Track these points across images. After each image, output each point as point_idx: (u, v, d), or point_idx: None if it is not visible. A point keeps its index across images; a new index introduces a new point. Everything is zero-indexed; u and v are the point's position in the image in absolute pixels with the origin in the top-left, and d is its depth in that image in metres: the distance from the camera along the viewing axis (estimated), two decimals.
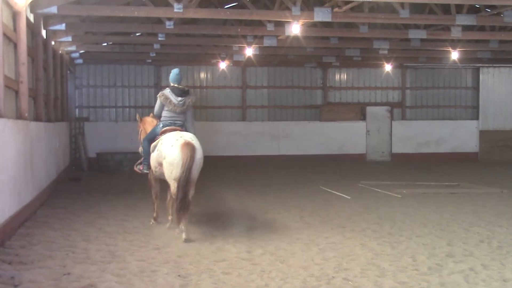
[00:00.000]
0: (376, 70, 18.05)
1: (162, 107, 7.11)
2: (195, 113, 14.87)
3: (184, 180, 6.28)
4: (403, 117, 18.57)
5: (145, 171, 7.31)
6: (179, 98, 7.00)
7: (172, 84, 7.14)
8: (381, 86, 18.52)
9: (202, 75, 17.60)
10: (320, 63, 16.84)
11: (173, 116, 7.05)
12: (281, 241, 6.23)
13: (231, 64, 16.74)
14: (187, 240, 6.18)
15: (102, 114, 17.03)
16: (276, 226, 7.13)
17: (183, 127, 7.05)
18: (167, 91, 7.08)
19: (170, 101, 7.00)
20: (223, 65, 16.23)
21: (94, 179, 12.68)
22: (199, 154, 6.50)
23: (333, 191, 10.12)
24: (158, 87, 16.45)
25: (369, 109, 18.14)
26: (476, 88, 18.64)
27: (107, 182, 12.15)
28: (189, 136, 6.64)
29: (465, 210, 8.29)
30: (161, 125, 7.10)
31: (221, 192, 10.25)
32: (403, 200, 9.20)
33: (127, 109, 17.14)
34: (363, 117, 17.98)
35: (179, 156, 6.38)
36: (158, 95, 7.15)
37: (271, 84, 17.97)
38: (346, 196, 9.50)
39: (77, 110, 16.70)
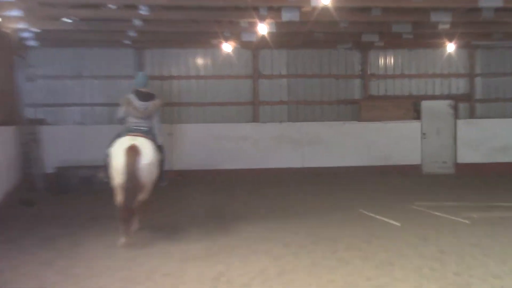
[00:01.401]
0: (434, 52, 17.90)
1: (125, 112, 8.74)
2: (180, 114, 16.93)
3: (128, 187, 7.78)
4: (472, 115, 18.34)
5: (104, 179, 8.67)
6: (142, 103, 8.62)
7: (136, 88, 8.80)
8: (441, 73, 18.28)
9: (200, 61, 17.63)
10: (359, 43, 16.62)
11: (137, 122, 8.70)
12: (307, 285, 6.30)
13: (239, 46, 16.66)
14: (122, 244, 7.61)
15: (63, 115, 17.03)
16: (301, 264, 7.27)
17: (149, 133, 8.59)
18: (131, 95, 8.74)
19: (133, 106, 8.60)
20: (227, 47, 16.03)
21: (52, 203, 12.67)
22: (145, 159, 8.12)
23: (378, 216, 10.24)
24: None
25: (425, 104, 17.90)
26: None
27: (70, 206, 12.18)
28: (139, 141, 8.22)
29: None
30: (125, 131, 8.59)
31: (227, 221, 10.38)
32: (473, 228, 9.29)
33: (98, 107, 17.15)
34: (416, 115, 17.73)
35: (122, 161, 7.99)
36: (120, 100, 8.83)
37: (291, 73, 17.87)
38: (395, 223, 9.64)
39: (29, 109, 16.47)
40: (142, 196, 8.32)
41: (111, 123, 14.09)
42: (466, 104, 18.33)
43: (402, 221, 9.80)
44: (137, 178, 8.00)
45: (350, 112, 18.05)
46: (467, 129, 17.89)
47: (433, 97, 18.15)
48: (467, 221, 9.67)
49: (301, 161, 17.25)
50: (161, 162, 8.92)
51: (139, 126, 8.71)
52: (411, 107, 17.59)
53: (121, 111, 8.91)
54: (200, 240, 8.67)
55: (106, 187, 8.71)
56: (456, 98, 18.11)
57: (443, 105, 17.98)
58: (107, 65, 17.10)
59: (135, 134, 8.55)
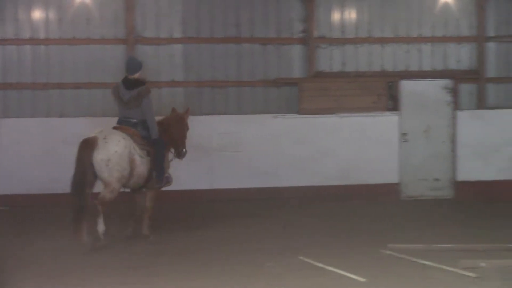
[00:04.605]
0: (421, 1, 15.83)
1: (115, 103, 10.02)
2: (3, 102, 15.16)
3: (79, 183, 8.90)
4: (482, 103, 15.82)
5: None
6: (127, 91, 9.64)
7: (126, 75, 9.97)
8: (432, 36, 15.73)
9: (37, 14, 15.25)
10: None
11: (124, 113, 9.67)
12: None
13: None
14: (91, 246, 8.85)
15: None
16: None
17: (138, 126, 9.65)
18: (119, 83, 9.91)
19: (118, 95, 9.73)
20: None
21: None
22: (102, 155, 8.95)
23: (329, 267, 8.93)
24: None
25: (406, 87, 15.52)
26: None
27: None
28: (104, 133, 9.26)
29: None
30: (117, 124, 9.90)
31: None
32: (481, 284, 8.00)
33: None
34: (393, 103, 15.39)
35: (76, 156, 9.09)
36: (111, 90, 10.20)
37: (190, 35, 15.26)
38: (358, 278, 8.32)
39: None
40: (107, 195, 9.15)
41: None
42: (472, 86, 15.92)
43: (369, 274, 8.50)
44: (84, 173, 8.92)
45: (285, 99, 15.72)
46: (473, 126, 15.66)
47: (420, 75, 15.92)
48: (471, 274, 8.34)
49: (208, 180, 15.10)
50: (156, 159, 9.73)
51: (127, 118, 9.56)
52: (384, 91, 15.45)
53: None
54: None
55: None
56: (455, 77, 15.81)
57: (435, 88, 15.82)
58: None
59: (121, 127, 9.51)
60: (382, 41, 15.69)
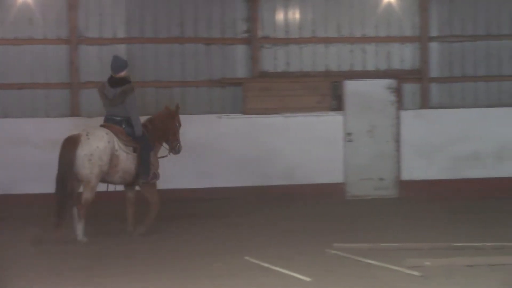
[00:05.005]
0: (365, 1, 16.02)
1: (101, 101, 10.51)
2: None
3: (61, 180, 9.37)
4: (425, 103, 16.01)
5: None
6: (111, 89, 10.03)
7: (111, 74, 10.40)
8: (376, 36, 15.94)
9: None
10: None
11: (110, 111, 10.10)
12: None
13: None
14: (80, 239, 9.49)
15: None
16: None
17: (122, 123, 10.03)
18: (105, 82, 10.41)
19: (103, 93, 10.18)
20: None
21: None
22: (85, 150, 9.41)
23: (275, 267, 8.93)
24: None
25: (350, 87, 15.69)
26: None
27: None
28: (87, 130, 9.83)
29: None
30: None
31: None
32: (425, 283, 8.01)
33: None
34: (337, 103, 15.56)
35: (59, 153, 9.61)
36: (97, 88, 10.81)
37: (134, 35, 15.26)
38: (303, 278, 8.31)
39: None
40: (89, 195, 9.59)
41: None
42: (416, 86, 16.14)
43: (314, 274, 8.49)
44: (67, 171, 9.35)
45: (230, 99, 15.92)
46: (417, 126, 15.93)
47: (364, 75, 16.10)
48: (415, 273, 8.30)
49: None
50: (142, 155, 10.08)
51: (112, 116, 9.93)
52: (328, 91, 15.67)
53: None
54: None
55: None
56: (399, 76, 16.04)
57: (379, 88, 16.01)
58: None
59: (106, 124, 9.95)
60: (326, 41, 15.73)
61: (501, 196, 15.06)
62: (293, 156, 15.05)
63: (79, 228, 9.73)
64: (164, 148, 11.19)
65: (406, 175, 15.61)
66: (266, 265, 9.07)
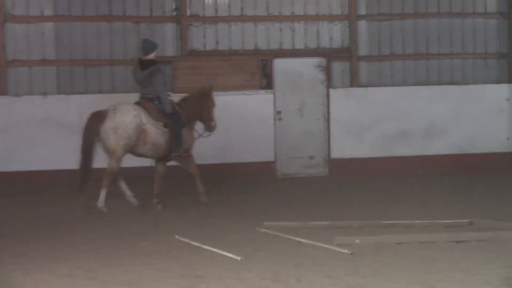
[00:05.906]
0: None
1: (135, 82, 11.56)
2: None
3: (86, 150, 10.31)
4: (354, 81, 16.14)
5: None
6: (141, 71, 10.92)
7: (139, 56, 11.43)
8: (304, 15, 16.09)
9: None
10: None
11: (143, 90, 11.09)
12: None
13: None
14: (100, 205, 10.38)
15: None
16: None
17: (154, 101, 10.88)
18: (136, 64, 11.31)
19: (136, 75, 11.13)
20: None
21: None
22: (110, 124, 10.33)
23: (205, 246, 8.98)
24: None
25: (279, 65, 15.87)
26: (508, 15, 16.56)
27: None
28: (115, 106, 10.65)
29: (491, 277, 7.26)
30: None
31: None
32: (355, 261, 8.15)
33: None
34: (266, 82, 15.65)
35: (84, 126, 10.60)
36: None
37: (61, 13, 15.19)
38: (234, 256, 8.42)
39: None
40: (115, 164, 10.42)
41: None
42: (345, 64, 16.31)
43: (245, 253, 8.62)
44: (91, 141, 10.25)
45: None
46: (346, 104, 16.07)
47: (293, 53, 16.25)
48: (345, 251, 8.51)
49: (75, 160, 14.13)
50: (174, 130, 10.78)
51: (145, 94, 10.76)
52: (257, 70, 15.77)
53: None
54: None
55: None
56: (328, 55, 16.25)
57: (308, 66, 16.23)
58: None
59: (139, 101, 10.71)
60: (255, 19, 15.77)
61: (430, 173, 15.36)
62: (223, 135, 14.38)
63: (101, 195, 10.41)
64: (201, 129, 11.71)
65: (336, 153, 15.75)
66: (196, 244, 9.13)
